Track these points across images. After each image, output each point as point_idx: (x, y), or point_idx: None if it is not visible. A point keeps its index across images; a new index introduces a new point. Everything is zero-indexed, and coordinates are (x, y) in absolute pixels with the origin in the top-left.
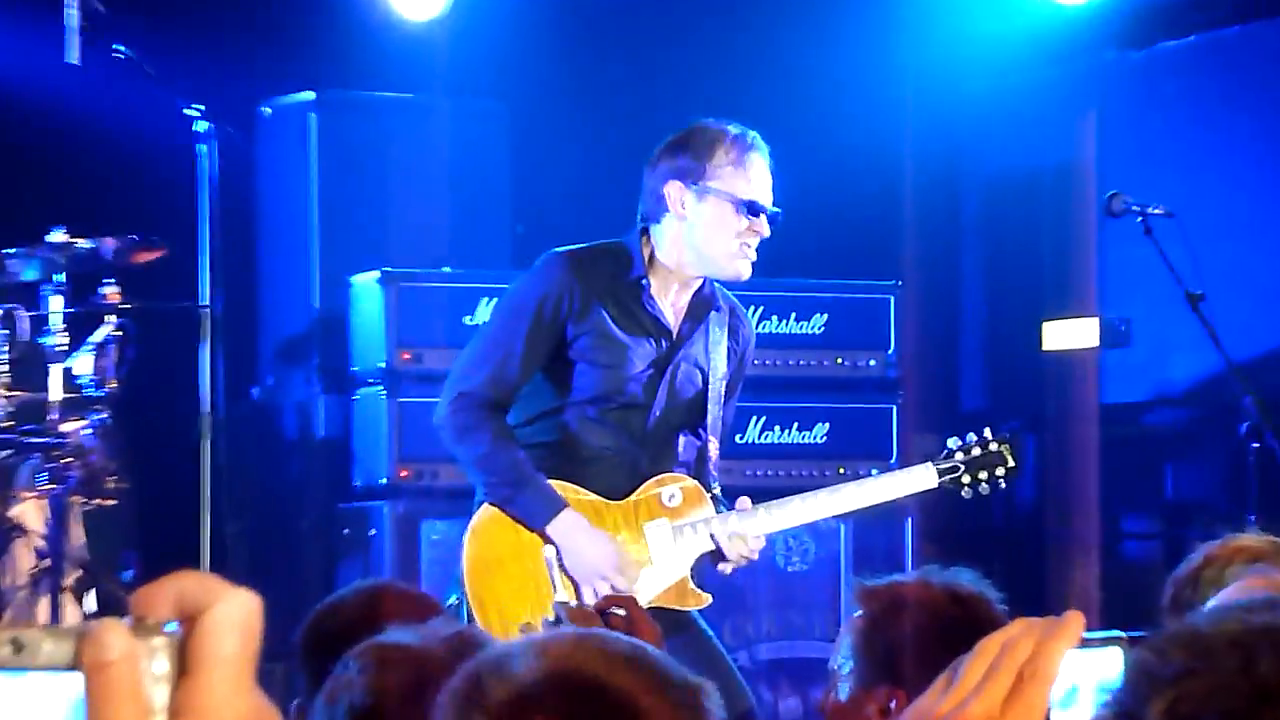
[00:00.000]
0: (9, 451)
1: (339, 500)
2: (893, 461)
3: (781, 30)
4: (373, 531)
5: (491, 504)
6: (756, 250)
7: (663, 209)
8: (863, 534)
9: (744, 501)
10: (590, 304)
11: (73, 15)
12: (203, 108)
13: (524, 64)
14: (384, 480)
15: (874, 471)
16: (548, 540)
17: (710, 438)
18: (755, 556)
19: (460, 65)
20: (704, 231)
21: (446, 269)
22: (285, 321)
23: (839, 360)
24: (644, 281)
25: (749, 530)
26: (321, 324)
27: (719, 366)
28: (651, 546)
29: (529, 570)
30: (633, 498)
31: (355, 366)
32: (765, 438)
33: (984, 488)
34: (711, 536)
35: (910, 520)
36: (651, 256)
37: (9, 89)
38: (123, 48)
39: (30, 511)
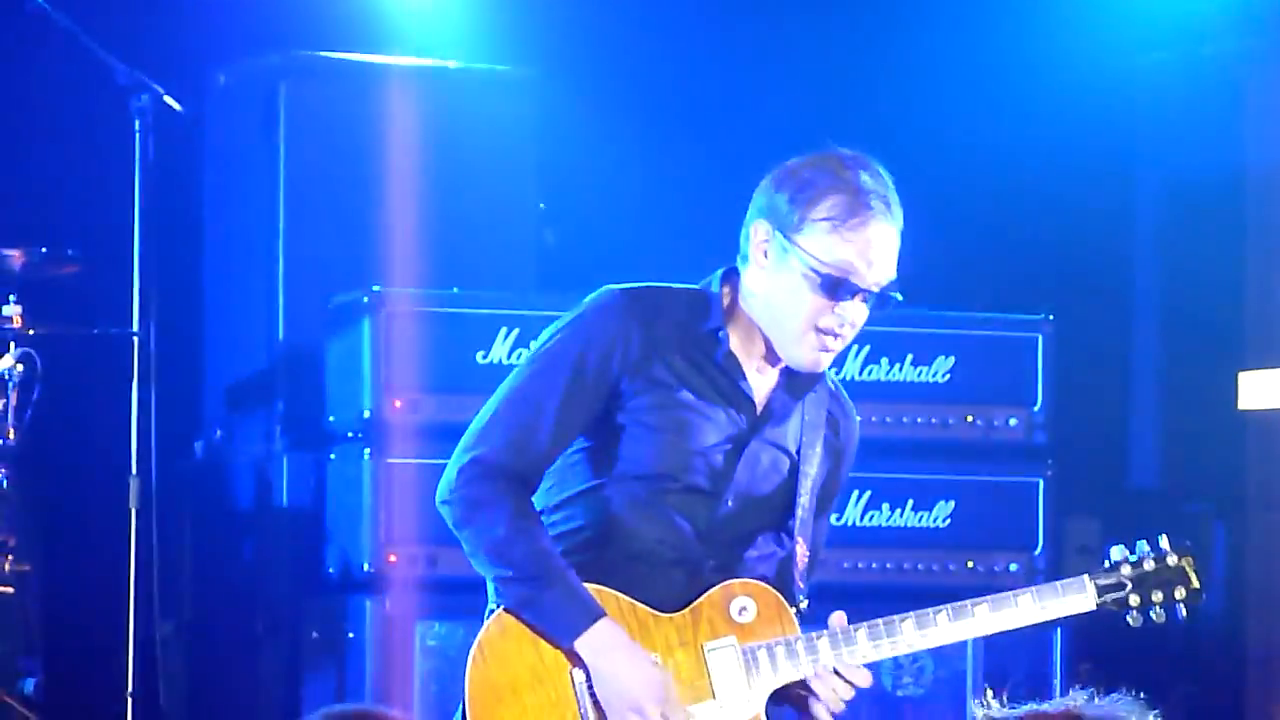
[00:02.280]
0: None
1: (308, 593)
2: (1037, 553)
3: (895, 7)
4: (351, 634)
5: (507, 610)
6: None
7: (748, 251)
8: (996, 648)
9: (839, 620)
10: (652, 356)
11: None
12: (139, 74)
13: (559, 21)
14: (366, 567)
15: (1012, 567)
16: (577, 661)
17: (799, 540)
18: (852, 695)
19: (474, 24)
20: (777, 298)
21: (454, 290)
22: (240, 356)
23: (970, 418)
24: (721, 334)
25: (847, 661)
26: (287, 360)
27: (812, 459)
28: (714, 675)
29: (551, 700)
30: (691, 609)
31: (331, 417)
32: (870, 519)
33: (1157, 613)
34: (796, 667)
35: (1059, 631)
36: (733, 306)
37: None
38: None
39: None
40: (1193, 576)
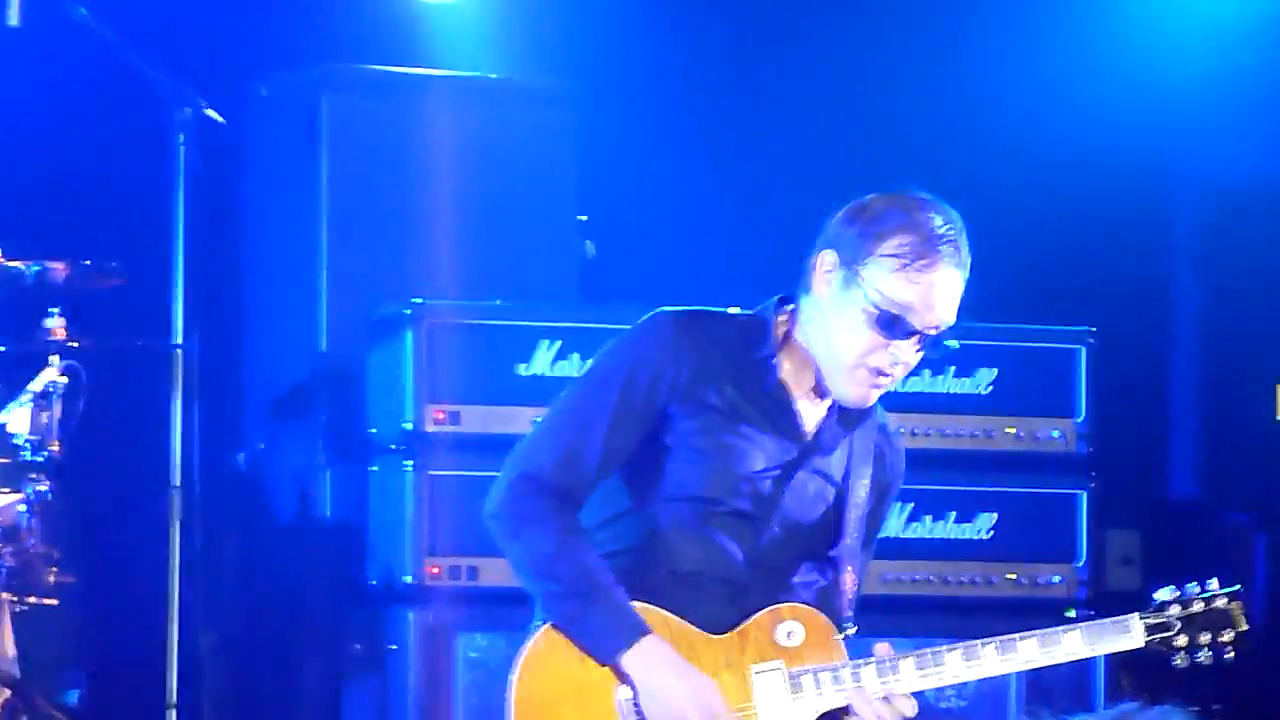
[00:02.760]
0: None
1: (349, 604)
2: (1079, 565)
3: (934, 18)
4: (393, 646)
5: (553, 626)
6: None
7: (809, 280)
8: None
9: (884, 649)
10: (702, 381)
11: None
12: (181, 87)
13: (602, 34)
14: (409, 579)
15: (1054, 578)
16: (623, 678)
17: (847, 568)
18: None
19: (516, 35)
20: (834, 330)
21: (496, 301)
22: (281, 368)
23: (1011, 430)
24: (772, 361)
25: (893, 690)
26: (330, 372)
27: (859, 490)
28: (758, 698)
29: (595, 716)
30: (739, 631)
31: (373, 428)
32: (912, 530)
33: (1204, 655)
34: (841, 694)
35: None
36: (788, 335)
37: None
38: (81, 8)
39: None
40: (1240, 620)
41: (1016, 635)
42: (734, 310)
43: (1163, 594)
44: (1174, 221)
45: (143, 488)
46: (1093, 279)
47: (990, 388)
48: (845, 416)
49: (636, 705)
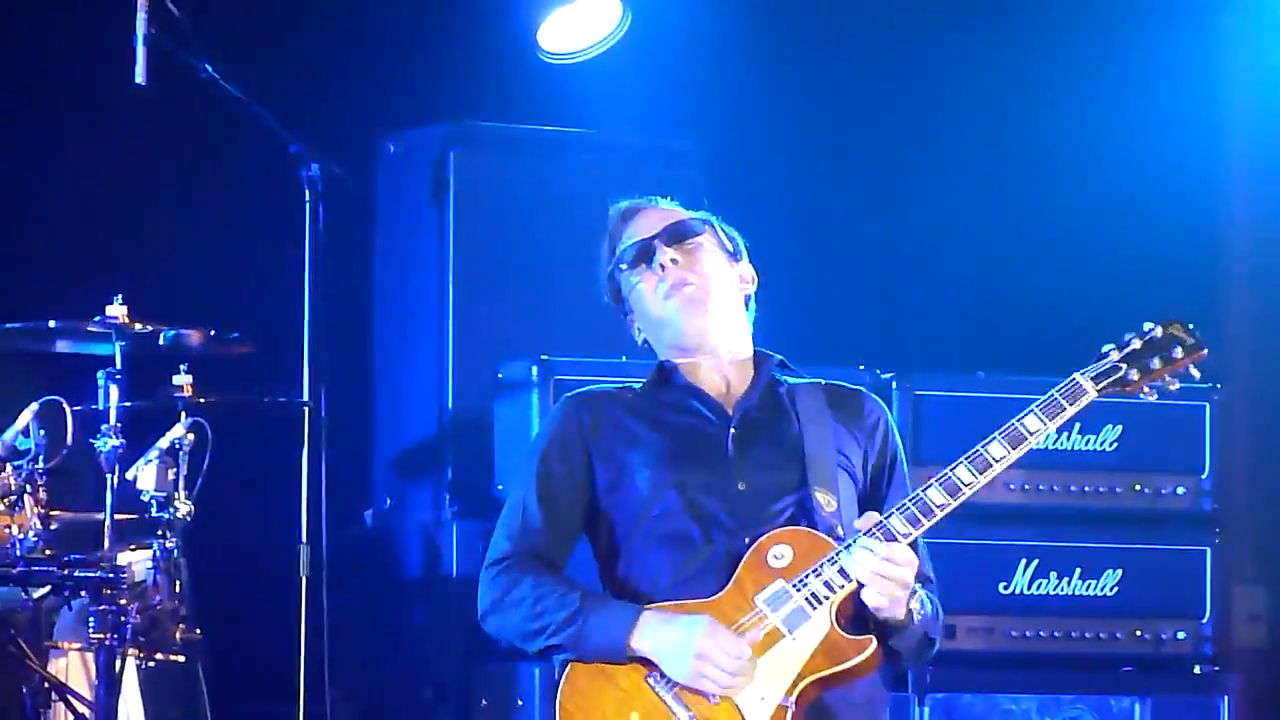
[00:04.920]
0: (46, 589)
1: (477, 660)
2: (1204, 621)
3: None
4: (520, 702)
5: (570, 660)
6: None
7: (623, 312)
8: (1165, 716)
9: (867, 519)
10: (608, 419)
11: (140, 21)
12: (309, 144)
13: (727, 96)
14: None
15: (1180, 635)
16: (647, 668)
17: (815, 490)
18: (910, 579)
19: (644, 95)
20: (635, 309)
21: (623, 358)
22: (409, 424)
23: (1137, 486)
24: (667, 365)
25: (892, 553)
26: (456, 428)
27: (818, 434)
28: (776, 616)
29: (643, 715)
30: (733, 580)
31: (500, 485)
32: (1038, 587)
33: (1167, 381)
34: (846, 574)
35: (1227, 699)
36: (662, 364)
37: (66, 118)
38: (206, 65)
39: (73, 668)
40: (1186, 335)
41: (979, 444)
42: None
43: (1104, 348)
44: None
45: (270, 544)
46: (1220, 335)
47: (1115, 445)
48: (767, 392)
49: (664, 677)
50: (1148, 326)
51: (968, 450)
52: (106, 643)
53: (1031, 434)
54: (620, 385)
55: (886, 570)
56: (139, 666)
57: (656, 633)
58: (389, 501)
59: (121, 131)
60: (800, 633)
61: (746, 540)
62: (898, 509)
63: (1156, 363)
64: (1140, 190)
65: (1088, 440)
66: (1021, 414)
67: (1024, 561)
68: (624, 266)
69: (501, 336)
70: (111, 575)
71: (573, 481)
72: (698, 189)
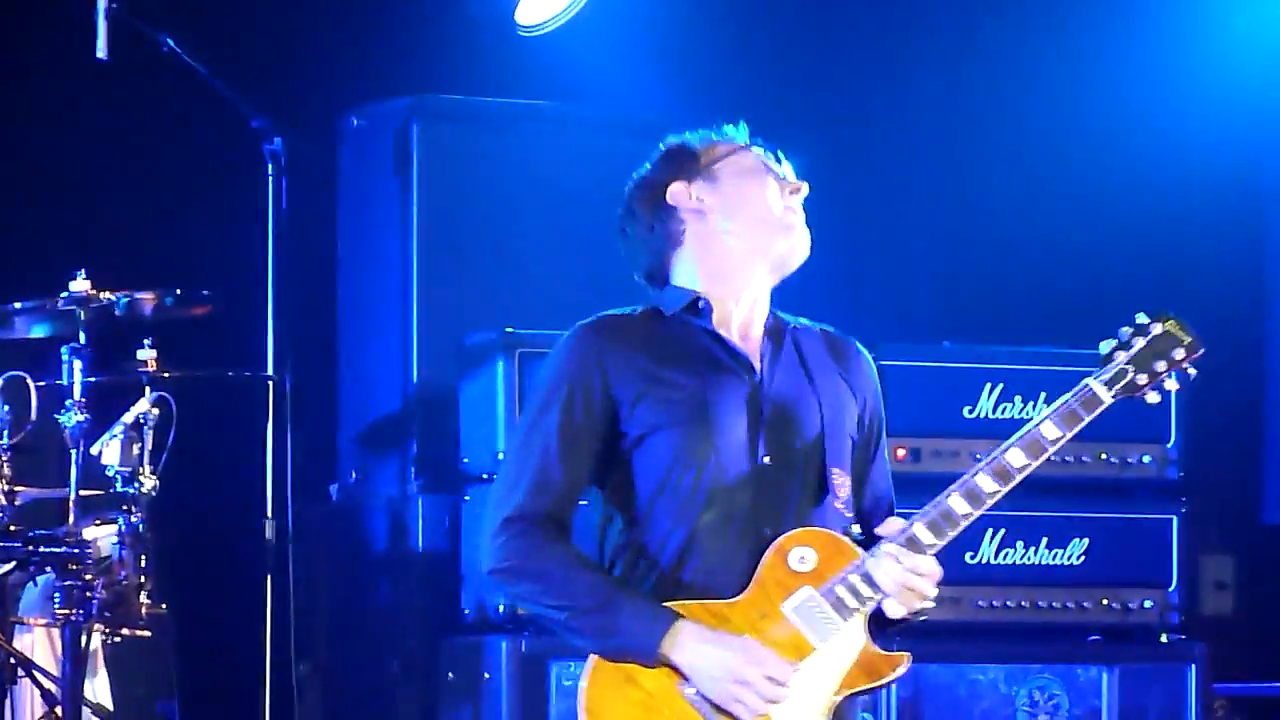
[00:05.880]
0: (11, 565)
1: (444, 633)
2: (1171, 590)
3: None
4: (487, 675)
5: (592, 652)
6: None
7: (676, 230)
8: (1132, 685)
9: (891, 525)
10: (632, 360)
11: None
12: (271, 118)
13: (693, 66)
14: (502, 608)
15: (1146, 604)
16: (679, 678)
17: (833, 471)
18: (934, 587)
19: (609, 67)
20: (738, 208)
21: None
22: (374, 398)
23: (1103, 456)
24: (700, 304)
25: (918, 564)
26: (422, 402)
27: (832, 398)
28: (805, 629)
29: None
30: (755, 582)
31: (466, 458)
32: (1004, 557)
33: (1169, 381)
34: (876, 586)
35: (1194, 667)
36: (695, 297)
37: (27, 93)
38: (168, 39)
39: (39, 644)
40: (1183, 335)
41: (998, 449)
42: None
43: (1105, 346)
44: (1267, 241)
45: (235, 518)
46: (1184, 302)
47: None
48: (776, 334)
49: (701, 694)
50: (1144, 321)
51: (935, 422)
52: (72, 618)
53: (1051, 442)
54: (636, 312)
55: (913, 583)
56: (105, 642)
57: (695, 649)
58: (354, 475)
59: (83, 107)
60: (831, 646)
61: (767, 531)
62: (922, 517)
63: (1160, 365)
64: (1100, 158)
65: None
66: (1036, 420)
67: (990, 531)
68: (758, 150)
69: (466, 309)
70: (77, 551)
71: (595, 432)
72: None
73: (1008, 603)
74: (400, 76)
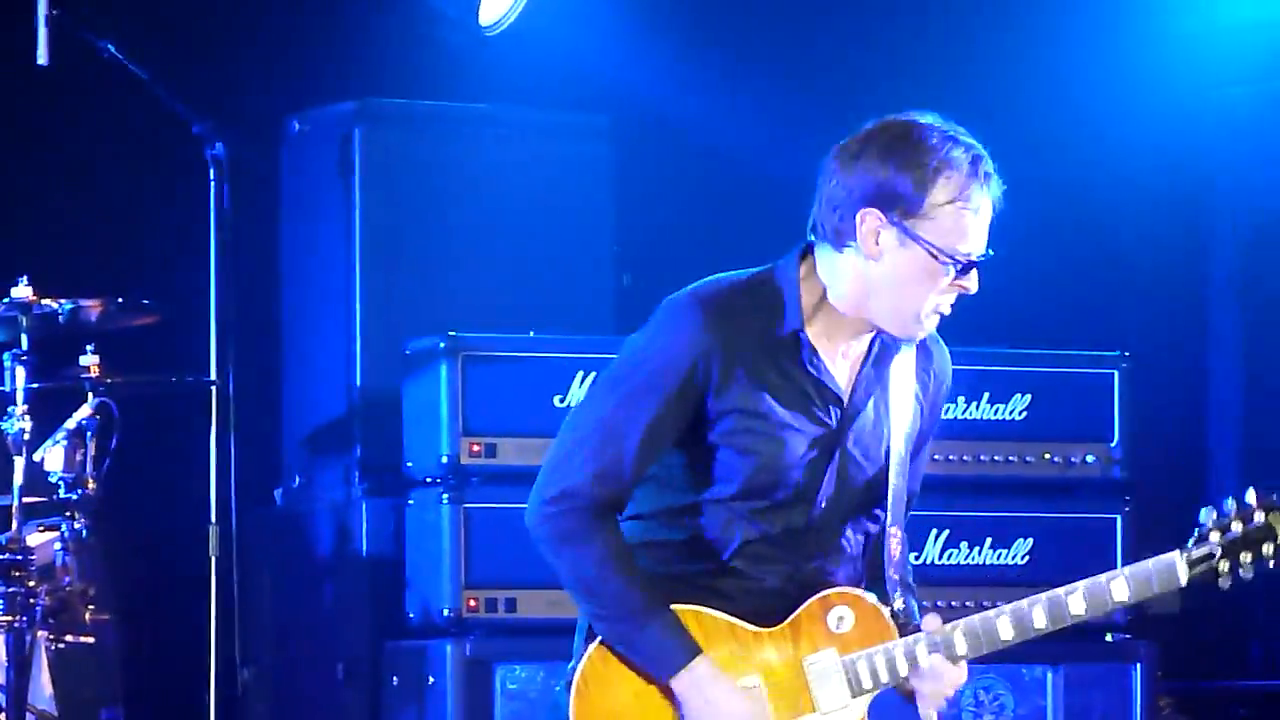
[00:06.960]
0: None
1: (387, 638)
2: None
3: (968, 36)
4: (431, 679)
5: (604, 643)
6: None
7: (847, 237)
8: (1077, 684)
9: (933, 622)
10: (736, 370)
11: (41, 1)
12: (213, 123)
13: (634, 67)
14: (446, 611)
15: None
16: (676, 699)
17: (890, 525)
18: (953, 692)
19: (550, 70)
20: (899, 285)
21: (530, 334)
22: (317, 403)
23: (1046, 455)
24: (801, 336)
25: (949, 674)
26: (365, 406)
27: (902, 425)
28: (815, 689)
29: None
30: (790, 622)
31: (410, 462)
32: (949, 557)
33: (1246, 571)
34: (895, 675)
35: (1139, 666)
36: (814, 299)
37: None
38: (109, 45)
39: None
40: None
41: (1062, 590)
42: (750, 275)
43: (1203, 516)
44: (1211, 243)
45: (179, 524)
46: (1128, 302)
47: (1024, 414)
48: (883, 353)
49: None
50: (1250, 503)
51: None
52: (15, 624)
53: (1111, 596)
54: (753, 292)
55: (939, 690)
56: (49, 648)
57: (704, 690)
58: (298, 480)
59: (24, 113)
60: (831, 713)
61: (813, 565)
62: (964, 630)
63: (1248, 556)
64: (1044, 159)
65: (997, 409)
66: (1110, 575)
67: (934, 532)
68: (943, 260)
69: (409, 313)
70: (20, 557)
71: (676, 430)
72: (607, 163)
73: (952, 603)
74: (343, 81)
